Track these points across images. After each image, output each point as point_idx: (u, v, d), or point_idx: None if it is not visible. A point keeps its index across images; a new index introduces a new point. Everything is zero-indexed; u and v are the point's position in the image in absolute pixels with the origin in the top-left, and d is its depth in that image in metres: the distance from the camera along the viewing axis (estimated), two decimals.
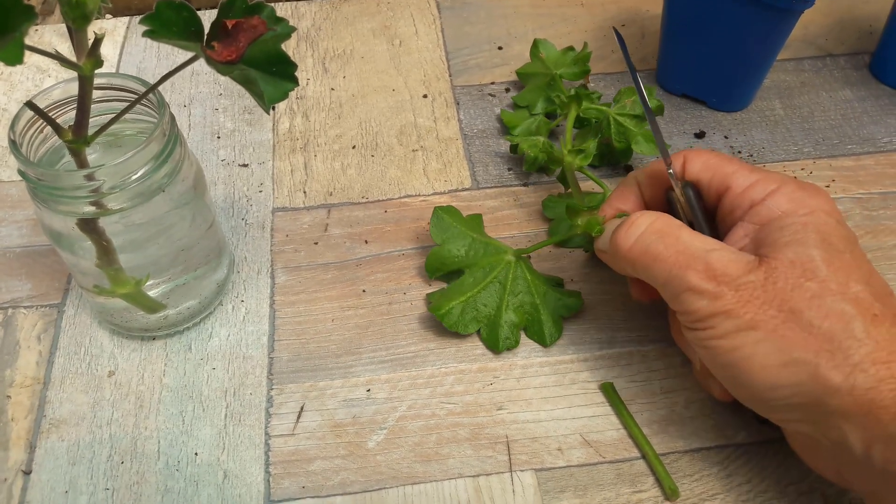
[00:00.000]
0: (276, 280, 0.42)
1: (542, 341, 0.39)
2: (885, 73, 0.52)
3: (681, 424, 0.37)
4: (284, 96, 0.30)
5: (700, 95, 0.51)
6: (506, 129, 0.50)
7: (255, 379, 0.38)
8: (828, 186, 0.46)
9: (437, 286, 0.42)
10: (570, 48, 0.49)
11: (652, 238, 0.33)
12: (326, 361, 0.39)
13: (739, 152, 0.48)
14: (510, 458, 0.36)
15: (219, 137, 0.50)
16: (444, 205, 0.42)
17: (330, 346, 0.40)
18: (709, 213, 0.35)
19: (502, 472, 0.35)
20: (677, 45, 0.50)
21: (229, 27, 0.30)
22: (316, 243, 0.44)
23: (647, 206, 0.37)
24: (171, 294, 0.38)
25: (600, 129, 0.45)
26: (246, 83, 0.29)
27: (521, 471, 0.35)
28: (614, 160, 0.47)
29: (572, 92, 0.44)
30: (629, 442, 0.36)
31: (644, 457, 0.35)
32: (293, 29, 0.30)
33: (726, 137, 0.49)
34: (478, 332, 0.40)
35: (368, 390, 0.38)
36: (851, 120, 0.50)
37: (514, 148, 0.47)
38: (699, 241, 0.32)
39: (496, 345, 0.39)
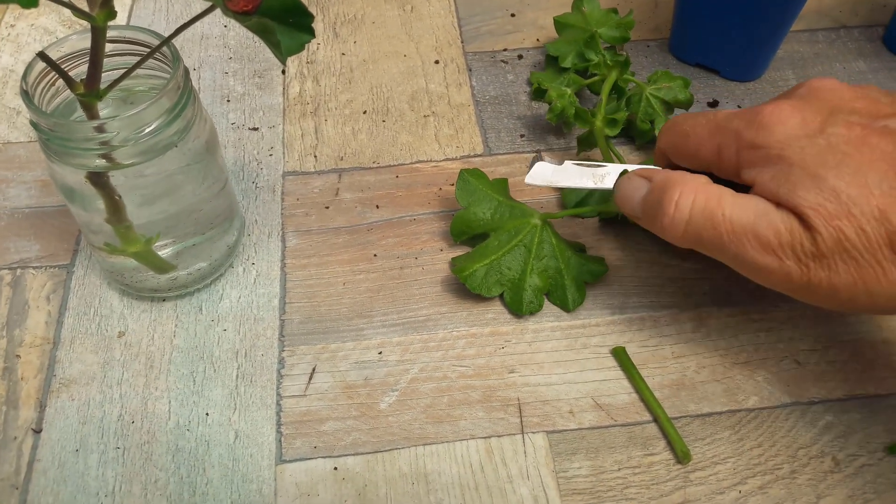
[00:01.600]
0: (287, 243, 0.42)
1: (566, 306, 0.39)
2: None
3: (692, 389, 0.37)
4: (301, 48, 0.30)
5: (713, 65, 0.51)
6: (518, 96, 0.49)
7: (266, 340, 0.38)
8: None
9: (448, 252, 0.42)
10: (614, 10, 0.48)
11: (700, 222, 0.31)
12: (338, 324, 0.39)
13: None
14: (522, 421, 0.36)
15: (229, 101, 0.49)
16: (471, 168, 0.41)
17: (341, 309, 0.39)
18: None
19: (514, 434, 0.35)
20: (691, 13, 0.49)
21: None
22: (327, 207, 0.44)
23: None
24: (182, 255, 0.38)
25: (629, 103, 0.45)
26: (263, 33, 0.29)
27: (533, 433, 0.35)
28: (631, 137, 0.47)
29: (622, 56, 0.44)
30: (641, 406, 0.36)
31: (656, 420, 0.35)
32: None
33: (739, 107, 0.49)
34: (500, 295, 0.39)
35: (380, 353, 0.38)
36: None
37: (540, 93, 0.47)
38: (742, 210, 0.30)
39: (520, 308, 0.38)
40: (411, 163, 0.46)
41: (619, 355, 0.37)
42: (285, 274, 0.41)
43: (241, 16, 0.29)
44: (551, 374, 0.37)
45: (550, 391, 0.36)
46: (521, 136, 0.47)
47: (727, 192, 0.31)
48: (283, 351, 0.38)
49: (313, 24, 0.30)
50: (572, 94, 0.44)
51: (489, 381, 0.37)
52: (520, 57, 0.52)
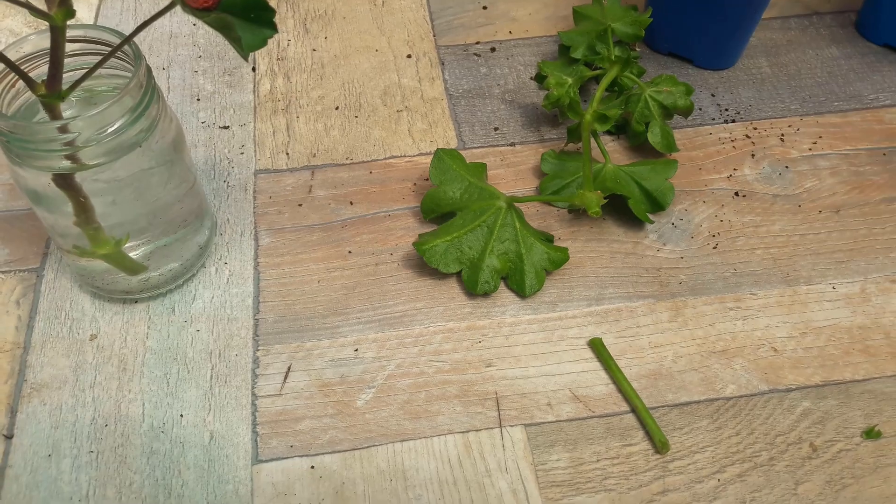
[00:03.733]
0: (260, 242, 0.42)
1: (522, 291, 0.39)
2: (870, 30, 0.52)
3: (669, 378, 0.37)
4: (263, 43, 0.29)
5: (686, 54, 0.51)
6: (492, 90, 0.49)
7: (240, 340, 0.38)
8: (815, 143, 0.46)
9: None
10: (634, 7, 0.48)
11: None
12: (313, 322, 0.39)
13: (727, 110, 0.48)
14: (500, 414, 0.35)
15: (198, 100, 0.48)
16: (448, 148, 0.42)
17: (316, 307, 0.39)
18: None
19: (492, 428, 0.35)
20: (664, 3, 0.49)
21: None
22: (300, 205, 0.43)
23: None
24: (153, 255, 0.38)
25: (628, 102, 0.45)
26: (223, 29, 0.28)
27: (511, 426, 0.35)
28: (625, 136, 0.46)
29: (628, 53, 0.45)
30: (618, 396, 0.36)
31: (634, 410, 0.35)
32: None
33: (713, 95, 0.49)
34: (458, 273, 0.40)
35: (356, 350, 0.38)
36: (838, 77, 0.50)
37: (540, 78, 0.47)
38: None
39: (475, 287, 0.39)
40: (385, 158, 0.46)
41: (597, 346, 0.37)
42: (259, 273, 0.40)
43: (200, 12, 0.28)
44: (528, 366, 0.37)
45: (528, 384, 0.36)
46: (495, 129, 0.47)
47: None
48: (258, 350, 0.38)
49: (281, 20, 0.30)
50: (573, 85, 0.44)
51: (466, 376, 0.37)
52: (492, 50, 0.52)
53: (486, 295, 0.39)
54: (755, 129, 0.47)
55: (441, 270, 0.39)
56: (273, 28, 0.29)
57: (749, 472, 0.34)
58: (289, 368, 0.37)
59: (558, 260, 0.39)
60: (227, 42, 0.51)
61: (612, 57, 0.44)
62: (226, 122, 0.47)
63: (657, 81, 0.45)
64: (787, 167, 0.45)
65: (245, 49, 0.28)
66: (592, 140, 0.43)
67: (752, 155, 0.46)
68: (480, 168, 0.42)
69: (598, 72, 0.46)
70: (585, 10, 0.48)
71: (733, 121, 0.47)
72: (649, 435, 0.34)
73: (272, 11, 0.29)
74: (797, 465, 0.34)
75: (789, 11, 0.54)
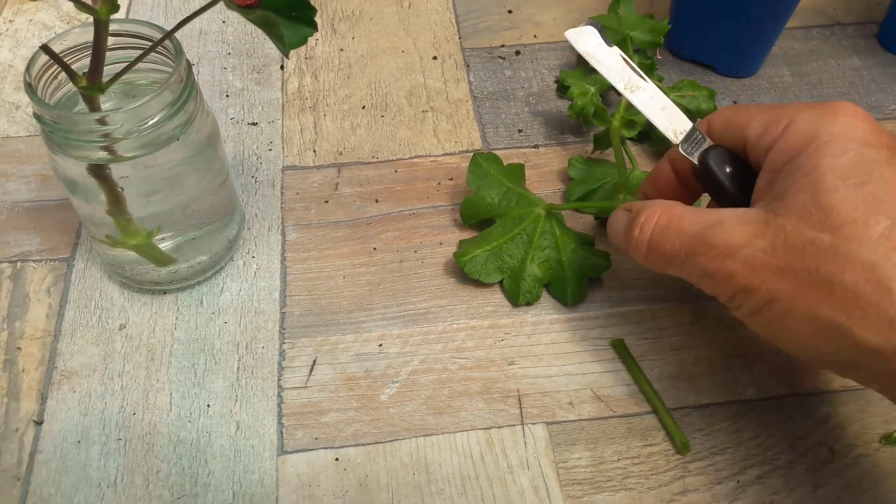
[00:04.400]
0: (287, 237, 0.42)
1: (564, 299, 0.39)
2: (892, 42, 0.52)
3: (690, 381, 0.37)
4: (304, 41, 0.30)
5: (709, 61, 0.51)
6: (516, 92, 0.49)
7: (266, 333, 0.38)
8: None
9: (448, 246, 0.42)
10: (650, 15, 0.48)
11: (659, 239, 0.31)
12: (338, 317, 0.39)
13: None
14: (521, 412, 0.36)
15: (227, 96, 0.49)
16: (485, 152, 0.42)
17: (341, 302, 0.40)
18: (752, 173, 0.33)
19: (514, 425, 0.35)
20: (687, 10, 0.50)
21: None
22: (326, 202, 0.44)
23: (682, 181, 0.36)
24: (182, 248, 0.38)
25: None
26: (266, 26, 0.29)
27: (533, 423, 0.35)
28: (648, 142, 0.47)
29: (652, 60, 0.45)
30: (640, 397, 0.36)
31: (655, 411, 0.36)
32: None
33: (735, 102, 0.49)
34: (500, 282, 0.40)
35: (380, 345, 0.38)
36: (859, 87, 0.50)
37: (563, 88, 0.47)
38: (701, 220, 0.29)
39: (517, 297, 0.39)
40: (410, 158, 0.46)
41: (618, 347, 0.38)
42: (285, 267, 0.41)
43: (244, 9, 0.29)
44: (551, 365, 0.37)
45: (550, 383, 0.37)
46: (519, 131, 0.48)
47: (689, 210, 0.31)
48: (284, 343, 0.38)
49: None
50: (596, 94, 0.45)
51: (489, 373, 0.37)
52: (517, 53, 0.52)
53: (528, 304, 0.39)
54: None
55: (483, 281, 0.39)
56: (314, 26, 0.30)
57: (768, 475, 0.34)
58: (314, 361, 0.38)
59: (600, 266, 0.40)
60: (255, 40, 0.52)
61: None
62: (254, 119, 0.48)
63: (679, 87, 0.46)
64: None
65: (287, 47, 0.29)
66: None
67: None
68: (518, 171, 0.42)
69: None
70: (602, 19, 0.49)
71: None
72: (670, 436, 0.35)
73: (313, 10, 0.30)
74: (816, 469, 0.34)
75: (812, 21, 0.55)
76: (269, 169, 0.45)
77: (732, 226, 0.28)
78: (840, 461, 0.34)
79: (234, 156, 0.46)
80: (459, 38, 0.53)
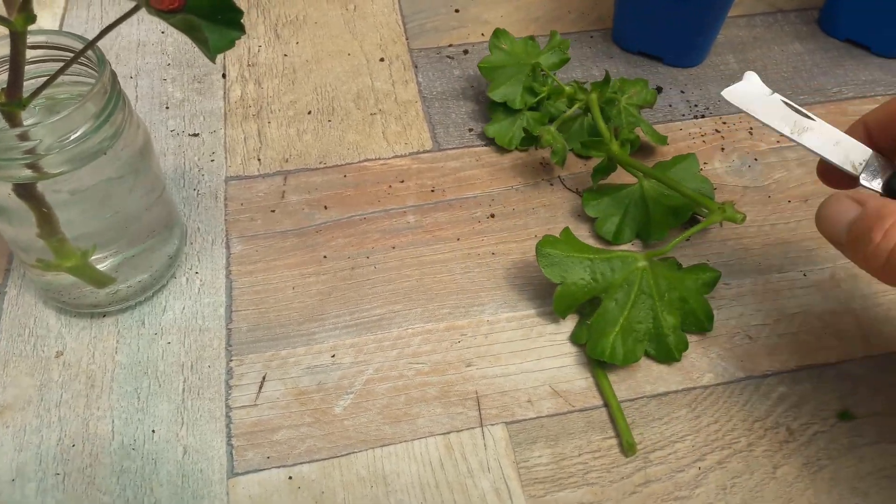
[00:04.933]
0: (232, 250, 0.41)
1: (702, 328, 0.37)
2: (832, 26, 0.53)
3: (647, 370, 0.37)
4: (231, 44, 0.29)
5: (656, 52, 0.51)
6: (466, 91, 0.49)
7: (213, 351, 0.37)
8: (782, 135, 0.46)
9: (400, 250, 0.41)
10: (531, 38, 0.47)
11: None
12: (288, 329, 0.38)
13: (696, 106, 0.48)
14: (480, 413, 0.35)
15: (167, 108, 0.48)
16: (541, 238, 0.37)
17: (291, 314, 0.39)
18: None
19: (473, 428, 0.35)
20: (632, 2, 0.49)
21: None
22: (273, 211, 0.43)
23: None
24: (121, 267, 0.37)
25: (608, 118, 0.44)
26: (189, 31, 0.28)
27: (492, 425, 0.35)
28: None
29: (607, 77, 0.43)
30: (598, 391, 0.36)
31: (607, 406, 0.35)
32: None
33: (682, 92, 0.49)
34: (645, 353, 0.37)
35: (333, 356, 0.37)
36: (802, 72, 0.51)
37: (530, 140, 0.44)
38: None
39: (672, 356, 0.36)
40: (359, 161, 0.45)
41: (579, 339, 0.37)
42: (231, 281, 0.40)
43: (166, 14, 0.28)
44: (508, 364, 0.37)
45: (508, 382, 0.36)
46: (470, 130, 0.47)
47: None
48: (231, 361, 0.37)
49: (251, 26, 0.29)
50: (555, 131, 0.42)
51: (446, 377, 0.36)
52: (465, 52, 0.52)
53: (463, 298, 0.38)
54: (724, 123, 0.47)
55: (633, 362, 0.36)
56: (240, 29, 0.29)
57: (729, 459, 0.34)
58: (264, 378, 0.36)
59: (712, 280, 0.38)
60: (195, 49, 0.51)
61: (587, 87, 0.44)
62: (196, 130, 0.47)
63: (622, 89, 0.45)
64: (756, 159, 0.45)
65: (212, 51, 0.28)
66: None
67: (722, 149, 0.46)
68: (569, 234, 0.38)
69: (570, 110, 0.44)
70: (491, 62, 0.45)
71: (703, 116, 0.48)
72: (619, 435, 0.34)
73: (239, 12, 0.29)
74: (775, 450, 0.34)
75: (754, 10, 0.55)
76: (211, 180, 0.44)
77: None
78: (797, 440, 0.34)
79: (175, 168, 0.45)
80: (407, 39, 0.52)
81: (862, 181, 0.32)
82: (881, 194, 0.31)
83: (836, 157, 0.33)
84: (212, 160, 0.45)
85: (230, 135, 0.46)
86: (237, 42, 0.29)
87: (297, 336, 0.38)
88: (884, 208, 0.29)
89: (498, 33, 0.46)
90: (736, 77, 0.50)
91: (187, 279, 0.40)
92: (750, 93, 0.34)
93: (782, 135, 0.34)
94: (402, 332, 0.38)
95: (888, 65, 0.51)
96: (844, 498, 0.33)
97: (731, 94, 0.35)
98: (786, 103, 0.34)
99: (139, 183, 0.35)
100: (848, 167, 0.32)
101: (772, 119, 0.34)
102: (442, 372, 0.36)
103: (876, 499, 0.33)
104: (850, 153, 0.32)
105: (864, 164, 0.32)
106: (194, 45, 0.50)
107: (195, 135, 0.46)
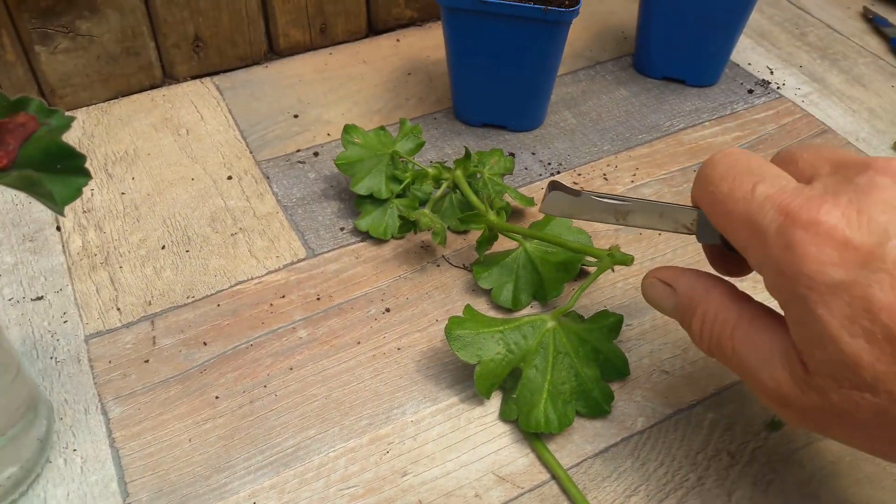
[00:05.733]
0: (110, 415, 0.36)
1: (621, 373, 0.37)
2: (647, 68, 0.58)
3: (582, 430, 0.36)
4: (78, 193, 0.26)
5: (498, 122, 0.53)
6: (326, 192, 0.48)
7: None
8: (634, 175, 0.49)
9: (298, 370, 0.38)
10: (381, 128, 0.47)
11: (714, 351, 0.30)
12: (195, 488, 0.34)
13: (549, 163, 0.50)
14: None
15: None
16: (446, 321, 0.36)
17: (195, 469, 0.34)
18: None
19: None
20: (465, 78, 0.51)
21: None
22: (146, 361, 0.39)
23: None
24: None
25: (476, 191, 0.44)
26: (28, 187, 0.25)
27: None
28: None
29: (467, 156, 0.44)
30: (542, 464, 0.35)
31: (556, 478, 0.34)
32: (71, 119, 0.27)
33: (533, 154, 0.51)
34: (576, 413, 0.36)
35: None
36: (634, 113, 0.54)
37: (408, 226, 0.43)
38: (752, 353, 0.28)
39: (601, 409, 0.35)
40: (231, 286, 0.42)
41: (509, 416, 0.36)
42: (117, 450, 0.35)
43: None
44: (445, 461, 0.35)
45: (450, 481, 0.34)
46: (341, 228, 0.46)
47: (742, 322, 0.29)
48: None
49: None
50: (430, 212, 0.43)
51: (384, 494, 0.34)
52: (315, 154, 0.51)
53: (379, 403, 0.36)
54: (579, 174, 0.49)
55: (568, 425, 0.35)
56: (86, 175, 0.26)
57: (685, 499, 0.33)
58: None
59: (616, 325, 0.37)
60: (18, 206, 0.46)
61: (451, 165, 0.44)
62: (38, 293, 0.42)
63: (484, 160, 0.46)
64: None
65: (60, 203, 0.25)
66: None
67: None
68: (472, 311, 0.37)
69: (443, 188, 0.44)
70: (348, 158, 0.45)
71: (558, 171, 0.50)
72: None
73: (82, 157, 0.26)
74: (723, 477, 0.34)
75: (576, 66, 0.59)
76: (68, 343, 0.39)
77: (775, 374, 0.27)
78: (739, 461, 0.35)
79: (22, 340, 0.39)
80: (251, 153, 0.51)
81: (699, 241, 0.33)
82: (723, 246, 0.32)
83: (666, 227, 0.34)
84: (64, 321, 0.40)
85: (79, 289, 0.42)
86: None
87: (208, 492, 0.34)
88: (693, 297, 0.31)
89: (348, 128, 0.46)
90: (577, 130, 0.53)
91: (65, 460, 0.34)
92: (563, 201, 0.35)
93: (610, 224, 0.35)
94: (323, 459, 0.35)
95: (705, 93, 0.56)
96: None
97: (548, 208, 0.35)
98: (598, 197, 0.34)
99: None
100: (683, 231, 0.33)
101: (594, 216, 0.35)
102: (378, 490, 0.34)
103: (825, 498, 0.34)
104: (679, 218, 0.33)
105: (694, 223, 0.33)
106: (24, 203, 0.45)
107: (39, 298, 0.41)
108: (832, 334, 0.24)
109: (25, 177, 0.24)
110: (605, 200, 0.34)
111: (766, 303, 0.29)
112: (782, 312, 0.27)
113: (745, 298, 0.30)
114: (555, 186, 0.35)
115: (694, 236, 0.33)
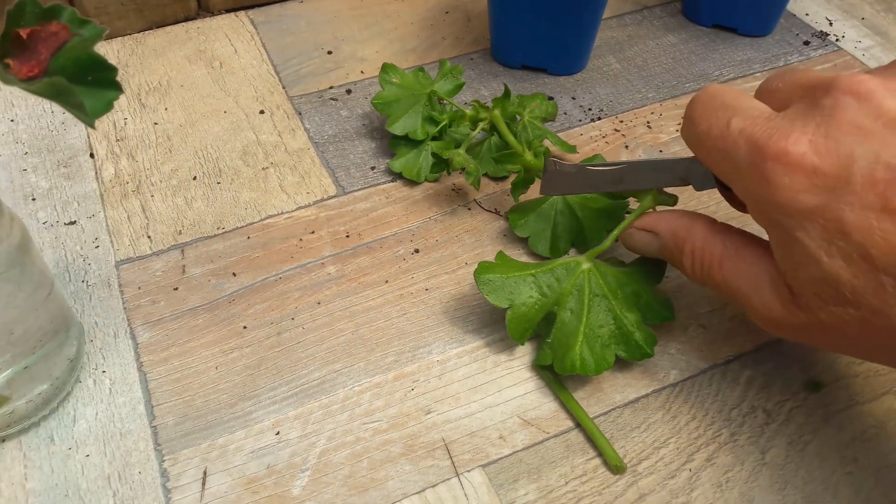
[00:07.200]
0: (139, 339, 0.36)
1: (664, 317, 0.35)
2: (697, 15, 0.55)
3: (612, 380, 0.35)
4: (109, 106, 0.25)
5: (539, 64, 0.51)
6: (358, 130, 0.47)
7: (140, 455, 0.32)
8: (679, 124, 0.47)
9: (326, 305, 0.38)
10: (420, 68, 0.45)
11: (706, 280, 0.31)
12: (220, 414, 0.34)
13: (590, 109, 0.49)
14: (453, 462, 0.32)
15: (34, 199, 0.42)
16: (475, 265, 0.35)
17: (220, 397, 0.34)
18: None
19: (449, 479, 0.32)
20: (507, 19, 0.49)
21: (24, 38, 0.25)
22: (175, 289, 0.39)
23: None
24: (15, 382, 0.32)
25: (515, 135, 0.42)
26: (59, 96, 0.24)
27: (468, 471, 0.32)
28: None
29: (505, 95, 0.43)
30: (567, 412, 0.34)
31: (581, 427, 0.33)
32: (104, 30, 0.26)
33: (574, 99, 0.50)
34: (616, 357, 0.34)
35: (278, 433, 0.33)
36: (682, 61, 0.52)
37: (440, 166, 0.43)
38: (741, 282, 0.30)
39: (643, 352, 0.34)
40: (261, 220, 0.42)
41: (540, 365, 0.35)
42: (144, 374, 0.35)
43: (26, 82, 0.24)
44: (470, 402, 0.34)
45: (474, 421, 0.34)
46: (372, 168, 0.45)
47: (728, 253, 0.30)
48: (164, 461, 0.32)
49: (114, 109, 0.26)
50: (471, 151, 0.42)
51: (408, 430, 0.33)
52: (348, 92, 0.50)
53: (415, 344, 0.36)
54: (621, 122, 0.48)
55: (606, 369, 0.33)
56: (118, 88, 0.26)
57: (716, 454, 0.33)
58: (205, 473, 0.32)
59: (659, 270, 0.36)
60: (53, 132, 0.46)
61: (489, 105, 0.43)
62: (72, 217, 0.42)
63: (524, 103, 0.45)
64: (660, 151, 0.46)
65: (91, 115, 0.24)
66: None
67: (626, 146, 0.46)
68: (503, 257, 0.36)
69: (479, 128, 0.43)
70: (385, 97, 0.43)
71: (599, 118, 0.48)
72: (603, 457, 0.32)
73: (113, 69, 0.25)
74: (758, 434, 0.33)
75: (621, 10, 0.56)
76: (100, 268, 0.39)
77: (768, 293, 0.29)
78: (776, 420, 0.34)
79: (55, 263, 0.39)
80: (284, 88, 0.50)
81: (696, 190, 0.34)
82: (721, 190, 0.33)
83: (663, 182, 0.34)
84: (96, 247, 0.40)
85: (111, 216, 0.42)
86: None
87: (233, 419, 0.34)
88: (677, 237, 0.33)
89: (387, 68, 0.45)
90: (621, 75, 0.51)
91: (94, 381, 0.35)
92: (560, 179, 0.35)
93: (609, 191, 0.36)
94: (348, 392, 0.35)
95: (757, 43, 0.54)
96: (836, 469, 0.32)
97: (548, 188, 0.36)
98: (592, 168, 0.35)
99: (23, 282, 0.30)
100: (678, 183, 0.34)
101: (594, 187, 0.35)
102: (402, 426, 0.33)
103: (865, 462, 0.33)
104: (673, 168, 0.34)
105: (687, 171, 0.33)
106: (59, 130, 0.45)
107: (72, 223, 0.41)
108: (812, 256, 0.26)
109: (56, 84, 0.24)
110: (602, 168, 0.35)
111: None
112: (767, 238, 0.29)
113: (727, 230, 0.31)
114: (551, 164, 0.35)
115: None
